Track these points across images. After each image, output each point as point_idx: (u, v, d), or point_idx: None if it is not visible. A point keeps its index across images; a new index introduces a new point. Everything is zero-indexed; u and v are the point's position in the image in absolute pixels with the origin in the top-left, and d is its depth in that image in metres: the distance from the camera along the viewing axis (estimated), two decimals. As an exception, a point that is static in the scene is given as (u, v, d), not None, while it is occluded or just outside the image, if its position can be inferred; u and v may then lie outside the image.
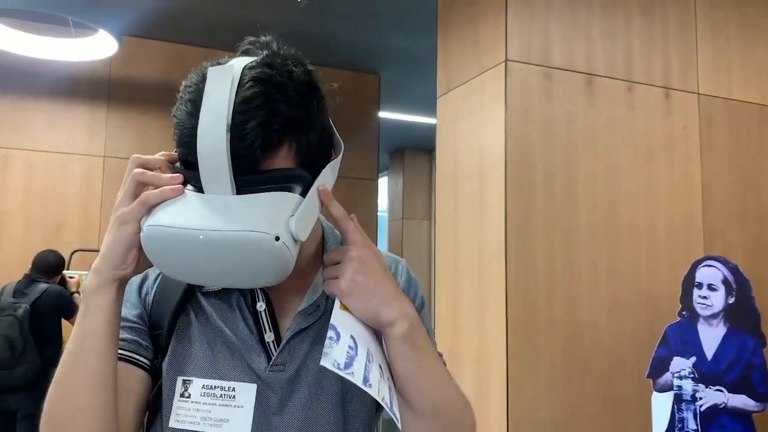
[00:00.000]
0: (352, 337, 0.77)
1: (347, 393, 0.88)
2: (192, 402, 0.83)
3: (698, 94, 2.91)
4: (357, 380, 0.73)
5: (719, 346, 2.24)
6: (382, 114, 5.92)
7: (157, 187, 0.75)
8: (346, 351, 0.75)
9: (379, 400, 0.75)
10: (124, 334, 0.85)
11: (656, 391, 2.30)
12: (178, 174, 0.76)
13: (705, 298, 2.28)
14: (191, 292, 0.90)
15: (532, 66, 2.63)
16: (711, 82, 2.94)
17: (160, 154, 0.80)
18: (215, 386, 0.84)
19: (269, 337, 0.87)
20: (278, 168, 0.75)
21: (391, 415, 0.77)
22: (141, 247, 0.76)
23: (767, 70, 3.07)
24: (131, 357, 0.86)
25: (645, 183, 2.77)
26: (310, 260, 0.90)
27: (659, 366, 2.31)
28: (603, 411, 2.56)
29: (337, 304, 0.80)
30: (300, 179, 0.76)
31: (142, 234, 0.74)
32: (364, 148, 5.48)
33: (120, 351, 0.83)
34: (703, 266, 2.33)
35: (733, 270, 2.27)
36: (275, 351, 0.86)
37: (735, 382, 2.21)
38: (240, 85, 0.73)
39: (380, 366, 0.79)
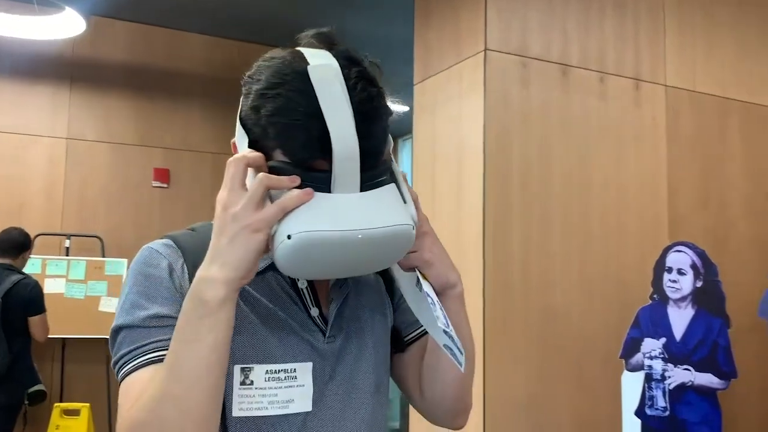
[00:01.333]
0: (429, 296, 0.86)
1: (378, 354, 0.97)
2: (256, 388, 0.85)
3: (666, 86, 3.02)
4: (455, 337, 0.82)
5: (687, 328, 2.36)
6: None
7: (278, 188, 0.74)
8: (441, 310, 0.84)
9: (460, 349, 0.83)
10: (155, 324, 0.81)
11: (628, 370, 2.40)
12: (295, 176, 0.75)
13: (675, 282, 2.39)
14: None
15: (510, 55, 2.69)
16: (678, 75, 3.06)
17: (253, 154, 0.77)
18: (279, 370, 0.86)
19: (315, 312, 0.91)
20: (384, 161, 0.81)
21: (461, 357, 0.85)
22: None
23: (729, 64, 3.20)
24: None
25: (615, 172, 2.87)
26: None
27: (631, 347, 2.42)
28: (575, 391, 2.66)
29: (420, 276, 0.88)
30: (390, 168, 0.82)
31: (288, 242, 0.72)
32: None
33: (150, 356, 0.80)
34: (673, 251, 2.43)
35: (701, 255, 2.38)
36: (324, 324, 0.91)
37: (701, 362, 2.33)
38: (348, 82, 0.76)
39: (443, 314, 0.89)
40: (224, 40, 5.00)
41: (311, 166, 0.75)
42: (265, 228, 0.73)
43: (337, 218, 0.73)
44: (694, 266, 2.38)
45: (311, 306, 0.91)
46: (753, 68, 3.26)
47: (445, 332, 0.81)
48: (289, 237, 0.72)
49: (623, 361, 2.43)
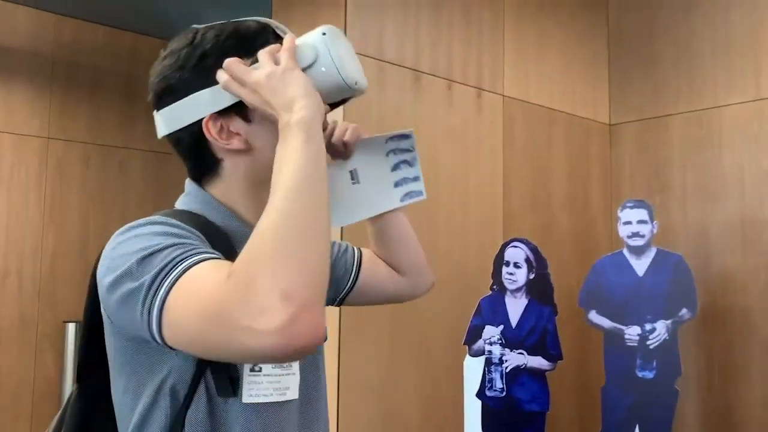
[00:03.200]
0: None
1: None
2: (264, 375, 0.84)
3: (503, 96, 3.31)
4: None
5: (521, 316, 2.63)
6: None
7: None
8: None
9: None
10: (201, 245, 0.77)
11: (470, 356, 2.63)
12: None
13: (512, 274, 2.64)
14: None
15: (368, 58, 2.80)
16: (513, 86, 3.36)
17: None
18: None
19: None
20: None
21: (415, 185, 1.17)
22: None
23: (557, 79, 3.57)
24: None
25: (459, 173, 3.09)
26: None
27: (474, 334, 2.64)
28: (422, 375, 2.85)
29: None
30: None
31: (325, 36, 0.86)
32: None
33: (215, 254, 0.75)
34: (510, 247, 2.69)
35: (534, 250, 2.66)
36: None
37: (533, 346, 2.61)
38: None
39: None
40: (54, 15, 4.63)
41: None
42: (293, 63, 0.83)
43: None
44: (527, 260, 2.65)
45: None
46: (575, 84, 3.67)
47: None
48: (324, 34, 0.86)
49: (466, 347, 2.65)
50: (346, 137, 1.06)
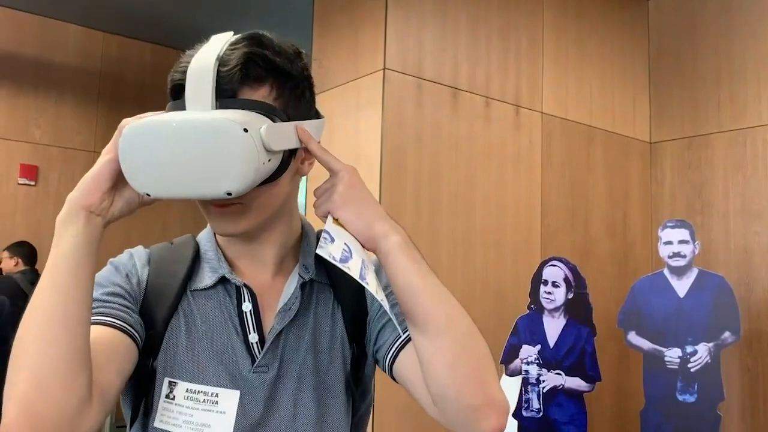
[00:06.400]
0: (346, 244, 0.80)
1: (322, 404, 0.89)
2: (176, 404, 0.84)
3: (542, 113, 3.30)
4: (354, 273, 0.76)
5: (559, 336, 2.60)
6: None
7: None
8: (342, 250, 0.78)
9: (377, 297, 0.77)
10: (111, 299, 0.84)
11: (507, 375, 2.60)
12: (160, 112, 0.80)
13: (549, 293, 2.62)
14: (182, 291, 0.90)
15: (406, 76, 2.82)
16: (552, 103, 3.34)
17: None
18: (198, 390, 0.85)
19: (253, 338, 0.88)
20: (257, 99, 0.80)
21: (392, 317, 0.81)
22: (117, 180, 0.78)
23: (596, 96, 3.54)
24: (116, 323, 0.82)
25: (496, 190, 3.09)
26: (289, 254, 0.93)
27: (511, 353, 2.62)
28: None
29: (329, 219, 0.83)
30: (276, 113, 0.80)
31: (121, 137, 0.76)
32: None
33: (103, 317, 0.81)
34: (549, 266, 2.67)
35: (573, 269, 2.63)
36: (259, 353, 0.87)
37: (571, 366, 2.57)
38: (230, 45, 0.82)
39: (376, 279, 0.81)
40: (102, 33, 4.77)
41: (176, 93, 0.81)
42: (113, 150, 0.77)
43: (168, 116, 0.75)
44: (566, 279, 2.62)
45: (250, 331, 0.88)
46: (614, 101, 3.63)
47: (380, 296, 0.77)
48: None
49: (503, 367, 2.63)
50: (320, 204, 0.88)
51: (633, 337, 2.91)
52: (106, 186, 0.78)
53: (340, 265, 0.75)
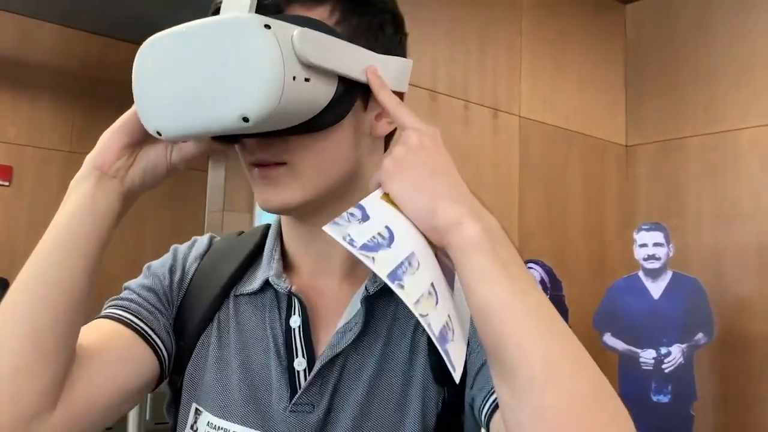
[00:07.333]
0: (388, 228, 0.54)
1: None
2: None
3: (519, 116, 3.33)
4: (379, 269, 0.51)
5: (536, 337, 2.62)
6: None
7: None
8: (372, 236, 0.54)
9: (416, 313, 0.51)
10: (139, 292, 0.70)
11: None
12: None
13: (526, 295, 2.64)
14: (225, 294, 0.71)
15: (385, 79, 2.84)
16: (530, 107, 3.38)
17: None
18: (220, 427, 0.65)
19: (299, 364, 0.66)
20: (308, 16, 0.60)
21: (441, 353, 0.51)
22: (140, 136, 0.64)
23: (573, 100, 3.58)
24: (128, 320, 0.67)
25: (474, 192, 3.10)
26: (354, 262, 0.68)
27: (487, 355, 2.64)
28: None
29: (376, 193, 0.58)
30: (333, 33, 0.60)
31: (136, 58, 0.62)
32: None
33: (118, 309, 0.68)
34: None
35: (549, 272, 2.66)
36: (302, 385, 0.65)
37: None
38: None
39: (432, 284, 0.54)
40: (80, 31, 4.73)
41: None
42: (131, 112, 0.64)
43: (181, 25, 0.60)
44: (542, 282, 2.65)
45: (297, 354, 0.66)
46: (591, 105, 3.68)
47: (421, 315, 0.51)
48: None
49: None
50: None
51: (609, 339, 2.95)
52: (123, 142, 0.64)
53: (355, 252, 0.52)
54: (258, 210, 5.20)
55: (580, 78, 3.63)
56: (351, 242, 0.53)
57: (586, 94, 3.66)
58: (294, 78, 0.55)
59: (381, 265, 0.52)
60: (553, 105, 3.49)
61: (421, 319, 0.50)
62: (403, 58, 0.67)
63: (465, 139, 3.09)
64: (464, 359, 0.52)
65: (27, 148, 4.60)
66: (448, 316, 0.53)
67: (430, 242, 0.55)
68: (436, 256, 0.56)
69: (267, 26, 0.54)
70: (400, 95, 0.64)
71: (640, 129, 3.77)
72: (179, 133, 0.60)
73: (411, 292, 0.51)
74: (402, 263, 0.52)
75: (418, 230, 0.55)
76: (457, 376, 0.50)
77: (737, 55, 3.41)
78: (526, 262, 2.76)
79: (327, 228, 0.53)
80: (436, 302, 0.53)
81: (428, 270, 0.54)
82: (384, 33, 0.65)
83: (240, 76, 0.54)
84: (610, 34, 3.82)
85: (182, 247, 0.77)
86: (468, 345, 0.56)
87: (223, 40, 0.56)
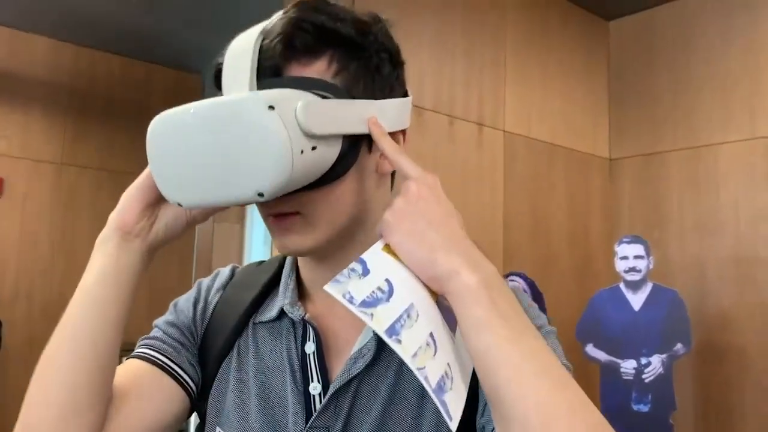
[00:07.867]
0: (388, 281, 0.57)
1: None
2: None
3: (504, 131, 3.39)
4: (376, 325, 0.54)
5: (518, 349, 2.67)
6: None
7: None
8: (372, 291, 0.56)
9: (412, 367, 0.53)
10: (165, 328, 0.75)
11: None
12: None
13: (509, 308, 2.70)
14: (245, 322, 0.75)
15: (372, 96, 2.89)
16: (515, 122, 3.44)
17: None
18: None
19: (314, 388, 0.69)
20: (308, 76, 0.63)
21: (438, 404, 0.53)
22: (159, 195, 0.66)
23: (558, 113, 3.66)
24: (156, 359, 0.71)
25: (459, 207, 3.14)
26: None
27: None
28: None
29: (379, 245, 0.60)
30: (334, 91, 0.62)
31: (148, 134, 0.64)
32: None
33: (146, 349, 0.72)
34: (509, 281, 2.72)
35: (531, 284, 2.72)
36: (317, 408, 0.68)
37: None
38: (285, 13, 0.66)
39: (431, 334, 0.56)
40: (71, 45, 4.77)
41: (218, 82, 0.66)
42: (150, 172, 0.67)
43: (189, 104, 0.62)
44: (525, 294, 2.70)
45: (312, 378, 0.69)
46: (575, 119, 3.75)
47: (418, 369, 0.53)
48: None
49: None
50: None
51: (591, 349, 3.01)
52: (145, 202, 0.67)
53: (354, 310, 0.54)
54: (249, 221, 5.23)
55: (564, 93, 3.71)
56: (350, 300, 0.55)
57: (570, 109, 3.73)
58: (302, 152, 0.57)
59: (379, 321, 0.54)
60: (538, 119, 3.56)
61: (417, 373, 0.52)
62: (401, 98, 0.71)
63: (450, 155, 3.15)
64: (463, 406, 0.54)
65: (19, 160, 4.64)
66: (448, 364, 0.55)
67: (431, 289, 0.58)
68: (439, 300, 0.59)
69: (271, 107, 0.56)
70: (403, 132, 0.70)
71: (624, 142, 3.85)
72: (199, 204, 0.63)
73: (408, 347, 0.54)
74: (401, 317, 0.55)
75: (418, 280, 0.58)
76: (453, 426, 0.52)
77: (717, 71, 3.49)
78: (509, 274, 2.82)
79: (328, 287, 0.55)
80: (435, 352, 0.55)
81: (428, 320, 0.56)
82: (381, 74, 0.68)
83: (251, 155, 0.57)
84: (593, 50, 3.90)
85: (206, 280, 0.81)
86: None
87: (231, 121, 0.58)
